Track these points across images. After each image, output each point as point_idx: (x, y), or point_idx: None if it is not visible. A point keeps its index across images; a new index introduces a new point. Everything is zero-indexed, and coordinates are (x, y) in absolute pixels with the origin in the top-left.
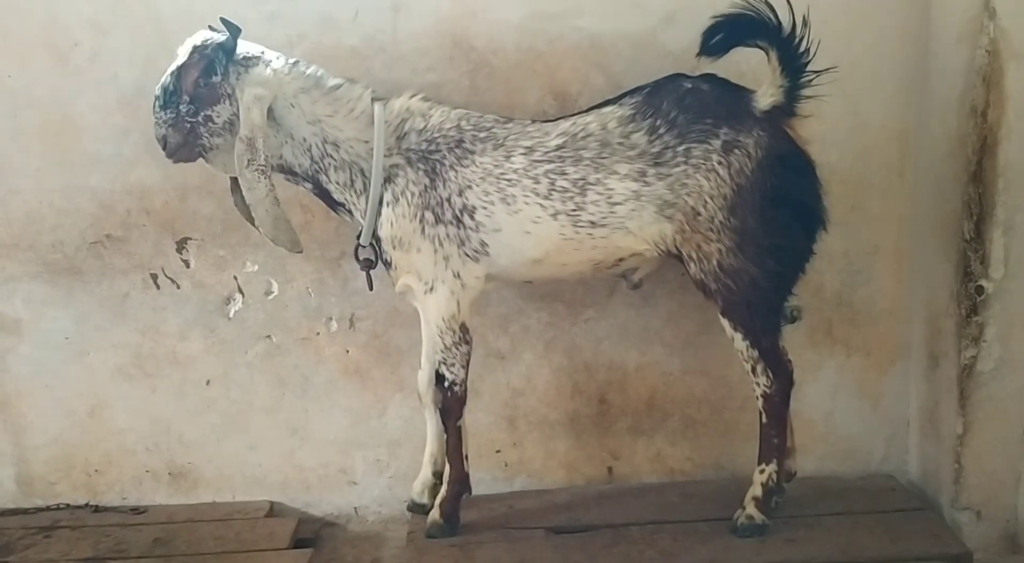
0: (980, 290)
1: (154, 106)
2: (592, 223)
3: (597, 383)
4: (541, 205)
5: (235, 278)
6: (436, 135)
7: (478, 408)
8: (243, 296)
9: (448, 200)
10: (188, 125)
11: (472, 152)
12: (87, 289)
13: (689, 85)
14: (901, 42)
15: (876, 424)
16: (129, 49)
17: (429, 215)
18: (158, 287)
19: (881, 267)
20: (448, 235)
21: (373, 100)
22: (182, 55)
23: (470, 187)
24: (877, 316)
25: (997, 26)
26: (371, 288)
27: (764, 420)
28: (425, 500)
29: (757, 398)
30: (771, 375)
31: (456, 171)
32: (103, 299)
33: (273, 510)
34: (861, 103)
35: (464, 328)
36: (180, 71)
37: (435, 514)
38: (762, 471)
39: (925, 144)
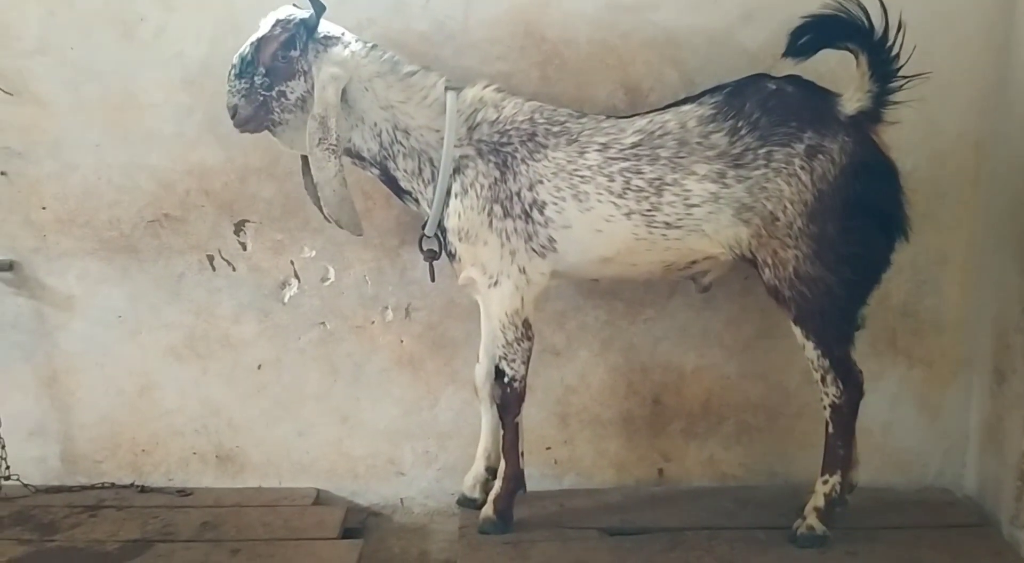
0: None
1: (229, 74)
2: (667, 224)
3: (652, 384)
4: (615, 203)
5: (292, 263)
6: (508, 127)
7: (530, 404)
8: (299, 281)
9: (518, 194)
10: (261, 97)
11: (545, 146)
12: (142, 268)
13: (773, 86)
14: (982, 49)
15: (934, 437)
16: (196, 26)
17: (498, 208)
18: (214, 269)
19: (949, 278)
20: (516, 229)
21: (447, 89)
22: (264, 27)
23: (541, 182)
24: (942, 327)
25: None
26: (433, 279)
27: (831, 430)
28: (476, 495)
29: (825, 408)
30: (841, 385)
31: (528, 165)
32: (158, 278)
33: (320, 498)
34: (938, 109)
35: (527, 324)
36: (260, 43)
37: (489, 510)
38: (826, 481)
39: (1002, 154)
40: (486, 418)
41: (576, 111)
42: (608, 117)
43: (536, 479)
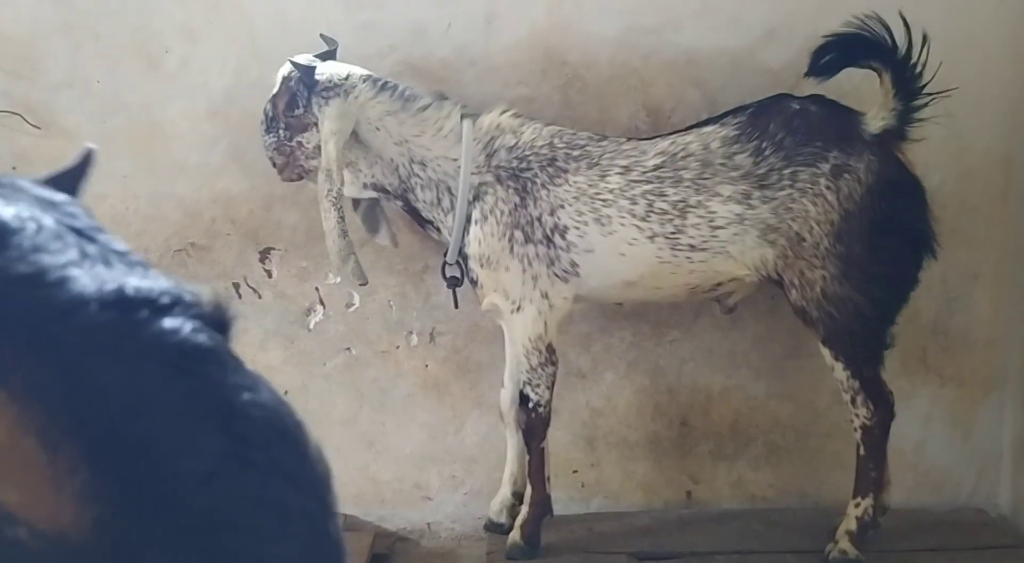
0: None
1: (260, 129)
2: (692, 247)
3: (679, 405)
4: (638, 227)
5: (316, 289)
6: (527, 152)
7: (556, 427)
8: (324, 307)
9: (539, 219)
10: (288, 149)
11: (565, 171)
12: None
13: (797, 106)
14: (1011, 64)
15: (967, 456)
16: (220, 57)
17: (519, 234)
18: (240, 296)
19: (979, 294)
20: (538, 254)
21: (463, 117)
22: (277, 83)
23: (563, 206)
24: (973, 345)
25: None
26: (456, 306)
27: (862, 452)
28: (503, 520)
29: (855, 429)
30: (871, 407)
31: (548, 190)
32: None
33: (347, 523)
34: (966, 125)
35: (551, 349)
36: (274, 100)
37: (516, 535)
38: (857, 505)
39: None
40: (512, 443)
41: (596, 134)
42: (629, 139)
43: (564, 502)
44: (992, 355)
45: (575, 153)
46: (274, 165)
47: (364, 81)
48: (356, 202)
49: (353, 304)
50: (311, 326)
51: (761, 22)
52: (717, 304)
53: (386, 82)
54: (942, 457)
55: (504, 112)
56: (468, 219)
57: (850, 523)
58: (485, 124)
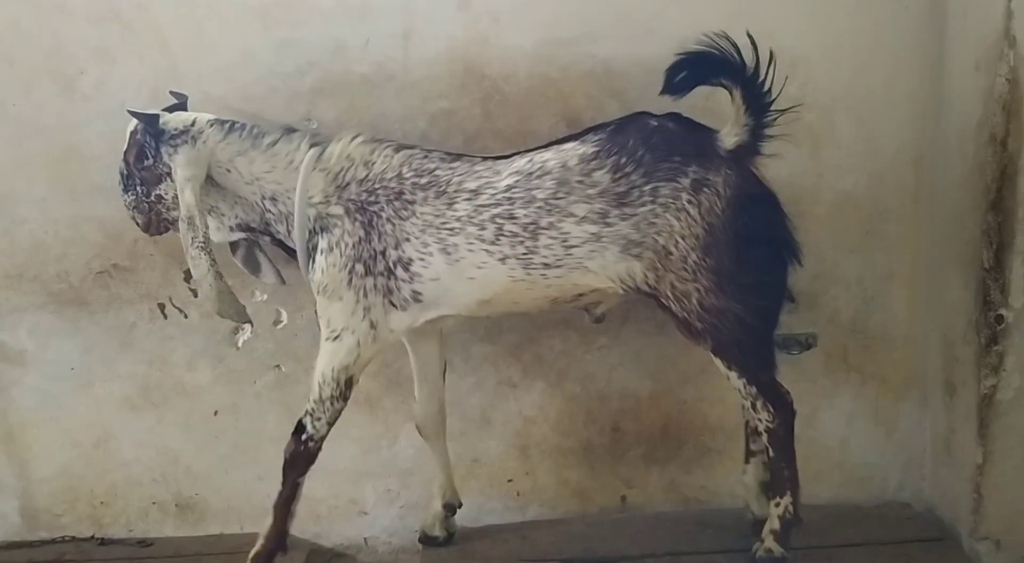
0: (1000, 319)
1: (119, 188)
2: (546, 265)
3: (610, 411)
4: (487, 250)
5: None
6: (376, 186)
7: (490, 437)
8: (252, 326)
9: (383, 253)
10: (147, 205)
11: (412, 202)
12: (93, 319)
13: (655, 123)
14: (916, 68)
15: (892, 451)
16: (137, 77)
17: (359, 267)
18: (165, 317)
19: (896, 293)
20: (375, 286)
21: (312, 145)
22: (126, 138)
23: (408, 240)
24: (892, 343)
25: (1018, 54)
26: None
27: (772, 454)
28: (437, 533)
29: (761, 433)
30: (772, 409)
31: (394, 224)
32: (109, 329)
33: None
34: (875, 128)
35: (349, 384)
36: (125, 156)
37: None
38: (777, 504)
39: (941, 171)
40: (437, 455)
41: (449, 155)
42: (485, 159)
43: (499, 512)
44: (911, 353)
45: (423, 181)
46: (138, 224)
47: (211, 125)
48: (234, 247)
49: (281, 321)
50: (239, 344)
51: (675, 32)
52: (586, 313)
53: (234, 123)
54: (867, 453)
55: (355, 139)
56: (315, 248)
57: (773, 522)
58: (335, 153)
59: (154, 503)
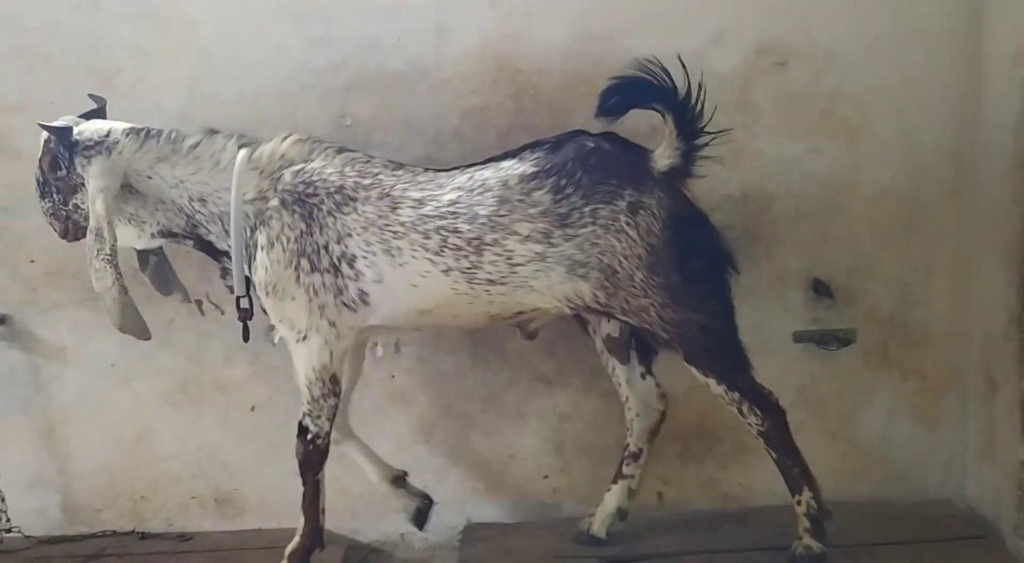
0: None
1: (36, 195)
2: (491, 281)
3: None
4: (431, 260)
5: None
6: (315, 178)
7: (525, 433)
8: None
9: (325, 247)
10: (64, 213)
11: (354, 199)
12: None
13: (592, 144)
14: (954, 61)
15: (933, 449)
16: (173, 76)
17: (305, 262)
18: (203, 313)
19: (936, 288)
20: (324, 284)
21: (240, 147)
22: (40, 146)
23: (350, 235)
24: (933, 338)
25: None
26: (247, 339)
27: (774, 456)
28: (413, 506)
29: (756, 437)
30: (759, 412)
31: (335, 217)
32: (149, 325)
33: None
34: (914, 121)
35: (335, 380)
36: (40, 163)
37: None
38: (799, 503)
39: (981, 164)
40: (355, 450)
41: (392, 163)
42: (427, 170)
43: (535, 508)
44: (951, 349)
45: (366, 182)
46: (55, 230)
47: (127, 135)
48: (143, 262)
49: None
50: (276, 340)
51: (710, 26)
52: (519, 329)
53: (150, 131)
54: (908, 450)
55: (286, 139)
56: (256, 245)
57: (803, 521)
58: (267, 152)
59: (193, 498)
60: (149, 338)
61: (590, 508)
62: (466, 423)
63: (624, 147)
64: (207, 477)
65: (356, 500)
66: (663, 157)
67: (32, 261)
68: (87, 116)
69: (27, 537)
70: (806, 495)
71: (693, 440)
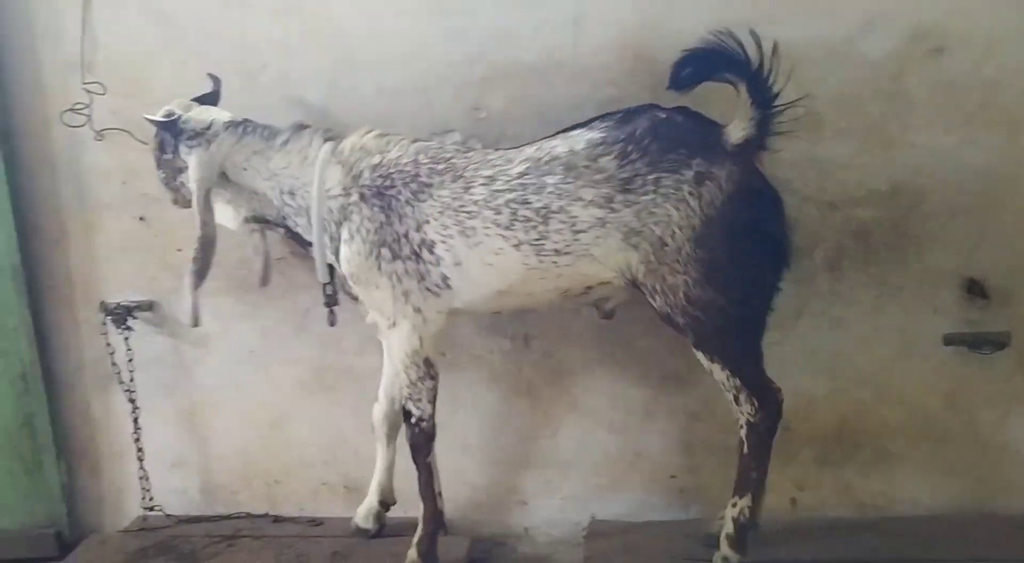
0: None
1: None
2: (556, 251)
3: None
4: (503, 236)
5: None
6: (392, 170)
7: (652, 431)
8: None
9: (405, 235)
10: (175, 185)
11: (429, 185)
12: (272, 304)
13: (663, 115)
14: None
15: None
16: (315, 70)
17: (385, 251)
18: (338, 303)
19: None
20: (407, 270)
21: (326, 140)
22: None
23: (428, 221)
24: None
25: None
26: (332, 324)
27: (745, 450)
28: (369, 525)
29: (740, 426)
30: (755, 403)
31: (413, 206)
32: (286, 314)
33: (444, 527)
34: None
35: (428, 363)
36: (153, 141)
37: (412, 553)
38: (734, 505)
39: None
40: (381, 455)
41: (463, 146)
42: (497, 149)
43: (661, 508)
44: None
45: (439, 167)
46: (170, 197)
47: (226, 128)
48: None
49: None
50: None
51: (860, 12)
52: (595, 309)
53: (247, 126)
54: None
55: (368, 133)
56: (339, 238)
57: (728, 526)
58: (347, 146)
59: (324, 484)
60: (197, 325)
61: (718, 511)
62: (592, 419)
63: (696, 119)
64: (338, 464)
65: (480, 492)
66: (737, 129)
67: (179, 250)
68: (201, 99)
69: (168, 516)
70: (745, 501)
71: (832, 445)
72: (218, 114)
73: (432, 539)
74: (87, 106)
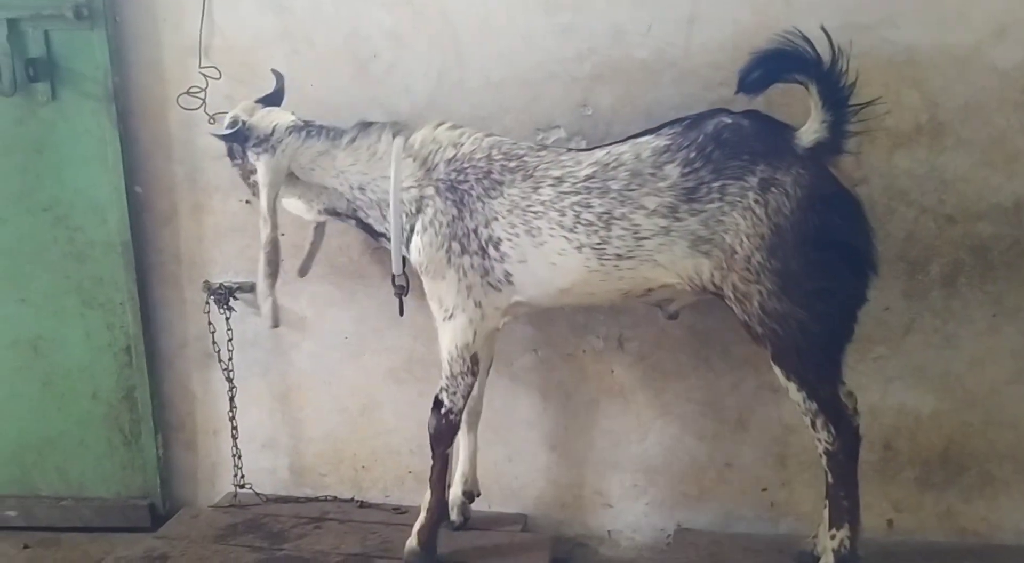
0: None
1: None
2: (618, 256)
3: (882, 427)
4: (566, 238)
5: None
6: (466, 165)
7: (744, 441)
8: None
9: (475, 231)
10: (248, 182)
11: (500, 183)
12: (368, 292)
13: (729, 120)
14: None
15: None
16: (425, 61)
17: (456, 245)
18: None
19: None
20: (473, 265)
21: (395, 134)
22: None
23: (496, 219)
24: None
25: None
26: (401, 313)
27: (830, 480)
28: (453, 517)
29: (820, 455)
30: (833, 430)
31: (484, 202)
32: (382, 303)
33: (527, 524)
34: None
35: (475, 359)
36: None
37: (412, 541)
38: (833, 536)
39: None
40: (464, 445)
41: (537, 144)
42: (569, 150)
43: (750, 521)
44: None
45: (511, 164)
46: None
47: (289, 133)
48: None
49: None
50: (500, 326)
51: (991, 18)
52: (660, 310)
53: (310, 129)
54: None
55: (440, 125)
56: (412, 229)
57: (828, 557)
58: (419, 139)
59: (410, 472)
60: (277, 326)
61: (810, 528)
62: (683, 425)
63: (764, 123)
64: (424, 454)
65: (566, 492)
66: (809, 132)
67: (282, 234)
68: (264, 101)
69: (258, 494)
70: (844, 532)
71: (935, 466)
72: (280, 117)
73: (434, 529)
74: (203, 90)
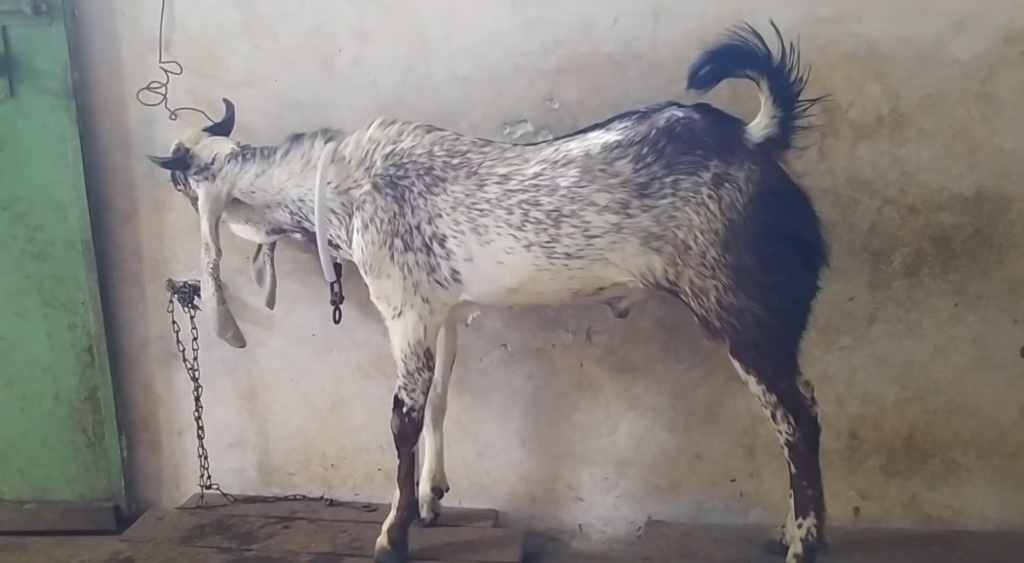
0: None
1: None
2: (568, 255)
3: (848, 416)
4: (514, 236)
5: None
6: (405, 160)
7: (714, 433)
8: (244, 347)
9: (417, 227)
10: (194, 205)
11: (443, 180)
12: None
13: (681, 114)
14: None
15: None
16: (390, 55)
17: (398, 242)
18: (343, 300)
19: None
20: (417, 262)
21: (327, 141)
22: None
23: (440, 215)
24: None
25: None
26: (337, 321)
27: (793, 470)
28: (423, 514)
29: (782, 446)
30: (792, 421)
31: (426, 199)
32: (349, 300)
33: (498, 519)
34: None
35: (428, 354)
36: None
37: (383, 540)
38: (800, 526)
39: None
40: (429, 441)
41: (480, 140)
42: (515, 145)
43: (719, 512)
44: None
45: (454, 161)
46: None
47: (228, 161)
48: (258, 252)
49: None
50: (468, 321)
51: (951, 10)
52: (610, 307)
53: (246, 153)
54: None
55: (374, 122)
56: (353, 229)
57: (796, 546)
58: (352, 141)
59: (379, 470)
60: (243, 346)
61: (779, 517)
62: (653, 418)
63: (715, 118)
64: (393, 450)
65: (537, 487)
66: (759, 127)
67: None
68: (213, 129)
69: (225, 495)
70: (810, 520)
71: (900, 455)
72: (222, 146)
73: (404, 527)
74: (163, 85)
